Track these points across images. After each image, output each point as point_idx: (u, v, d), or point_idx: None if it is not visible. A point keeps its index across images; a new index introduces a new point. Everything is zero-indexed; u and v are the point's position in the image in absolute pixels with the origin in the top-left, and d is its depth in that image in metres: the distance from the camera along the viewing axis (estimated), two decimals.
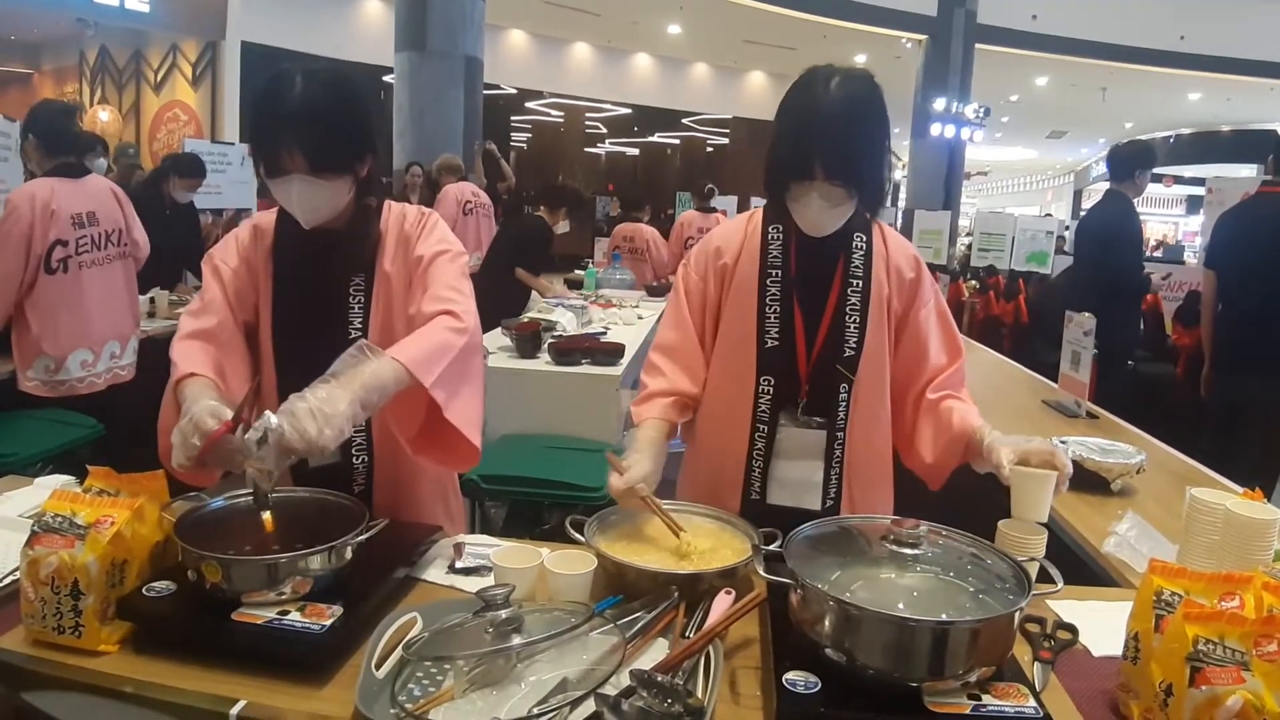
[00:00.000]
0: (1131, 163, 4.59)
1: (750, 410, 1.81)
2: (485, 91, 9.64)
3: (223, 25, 13.41)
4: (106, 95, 14.42)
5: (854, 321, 1.78)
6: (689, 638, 1.28)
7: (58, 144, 3.44)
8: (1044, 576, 1.35)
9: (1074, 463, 2.30)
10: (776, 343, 1.79)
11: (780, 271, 1.80)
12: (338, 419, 1.36)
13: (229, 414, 1.41)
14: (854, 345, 1.79)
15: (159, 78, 14.24)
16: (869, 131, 1.68)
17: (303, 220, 1.67)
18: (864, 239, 1.80)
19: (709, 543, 1.57)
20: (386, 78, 10.68)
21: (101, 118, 13.77)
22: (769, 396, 1.80)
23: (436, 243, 1.76)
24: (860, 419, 1.82)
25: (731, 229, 1.90)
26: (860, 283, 1.79)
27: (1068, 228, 10.50)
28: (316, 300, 1.74)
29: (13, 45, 14.62)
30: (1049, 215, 17.57)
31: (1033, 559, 1.41)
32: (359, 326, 1.74)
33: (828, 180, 1.65)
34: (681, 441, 1.98)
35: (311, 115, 1.59)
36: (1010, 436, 1.66)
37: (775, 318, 1.79)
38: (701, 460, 1.93)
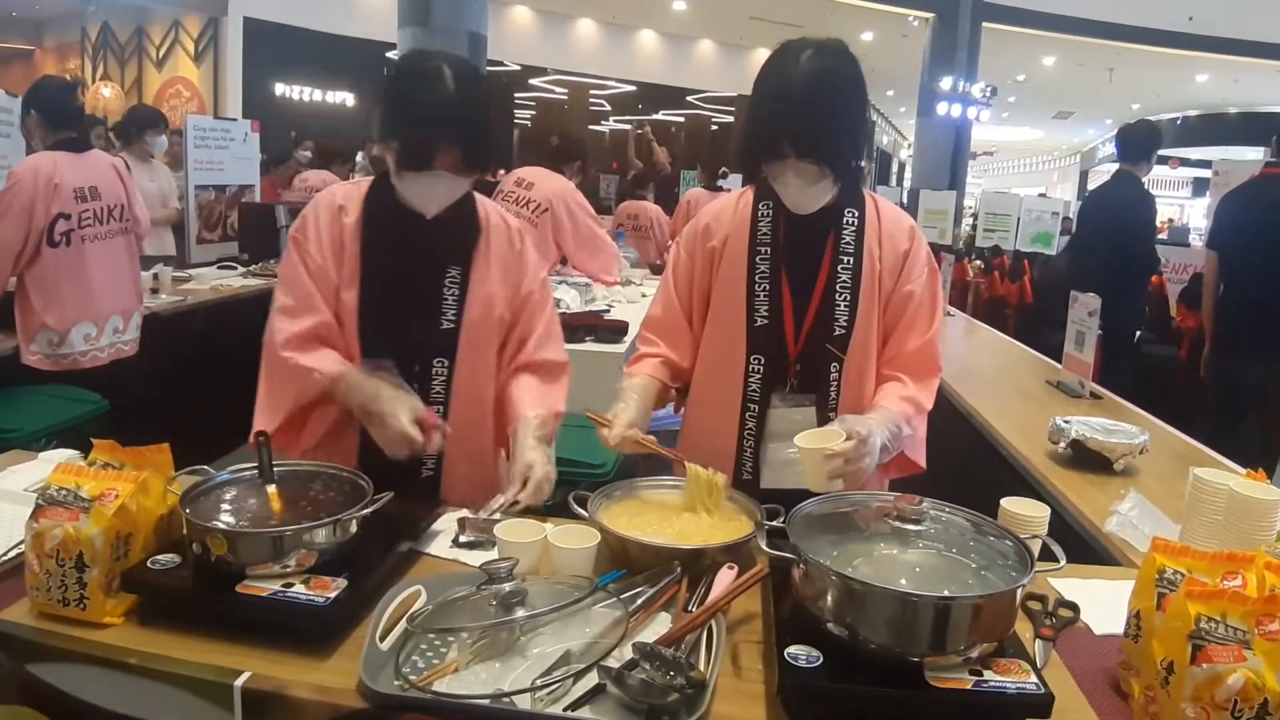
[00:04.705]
0: (1147, 144, 4.56)
1: (741, 390, 1.81)
2: (489, 68, 9.58)
3: (225, 0, 13.33)
4: (109, 71, 14.38)
5: (844, 300, 1.76)
6: (691, 612, 1.28)
7: (60, 119, 3.43)
8: (1046, 554, 1.36)
9: (1078, 442, 2.33)
10: (766, 321, 1.78)
11: (769, 249, 1.78)
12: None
13: (423, 412, 1.65)
14: (844, 324, 1.76)
15: (161, 54, 14.18)
16: (841, 107, 1.66)
17: (427, 212, 1.70)
18: (855, 215, 1.78)
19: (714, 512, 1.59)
20: (390, 54, 10.62)
21: (104, 94, 13.73)
22: (759, 376, 1.79)
23: (538, 269, 1.90)
24: (851, 399, 1.79)
25: (722, 206, 1.88)
26: (851, 259, 1.77)
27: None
28: (408, 287, 1.75)
29: (15, 22, 14.58)
30: (1044, 195, 17.43)
31: (1035, 536, 1.42)
32: (452, 319, 1.77)
33: (799, 158, 1.64)
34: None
35: (469, 115, 1.64)
36: (865, 418, 1.64)
37: (765, 295, 1.78)
38: (695, 442, 1.91)
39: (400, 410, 1.61)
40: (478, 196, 1.84)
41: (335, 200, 1.78)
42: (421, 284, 1.76)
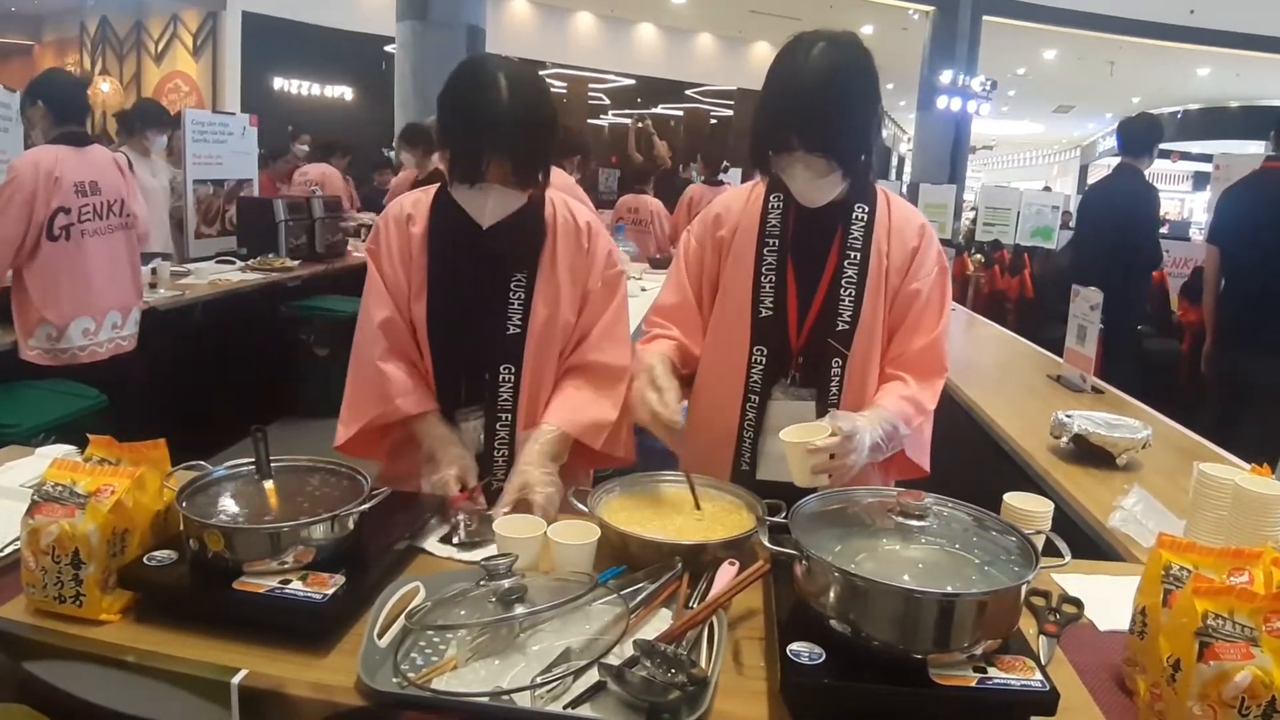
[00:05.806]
0: (1148, 137, 4.55)
1: (743, 381, 1.80)
2: None
3: None
4: (107, 66, 14.37)
5: (849, 295, 1.75)
6: (692, 608, 1.27)
7: (67, 113, 3.42)
8: (1050, 550, 1.35)
9: (1081, 437, 2.32)
10: (770, 312, 1.77)
11: (777, 240, 1.78)
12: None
13: (471, 479, 1.67)
14: (848, 319, 1.75)
15: (160, 48, 14.16)
16: (850, 101, 1.65)
17: (485, 223, 1.67)
18: (865, 210, 1.76)
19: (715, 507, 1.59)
20: (388, 47, 10.59)
21: (103, 89, 13.71)
22: (761, 367, 1.79)
23: (605, 266, 1.82)
24: (854, 395, 1.78)
25: (734, 196, 1.88)
26: (858, 255, 1.75)
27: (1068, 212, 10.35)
28: (474, 295, 1.74)
29: (14, 17, 14.57)
30: (1048, 189, 17.43)
31: (1039, 532, 1.41)
32: (518, 324, 1.75)
33: (808, 152, 1.63)
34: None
35: (522, 127, 1.58)
36: (855, 415, 1.63)
37: (770, 287, 1.77)
38: (696, 430, 1.91)
39: (453, 466, 1.67)
40: (547, 194, 1.78)
41: (404, 211, 1.77)
42: (487, 292, 1.74)
